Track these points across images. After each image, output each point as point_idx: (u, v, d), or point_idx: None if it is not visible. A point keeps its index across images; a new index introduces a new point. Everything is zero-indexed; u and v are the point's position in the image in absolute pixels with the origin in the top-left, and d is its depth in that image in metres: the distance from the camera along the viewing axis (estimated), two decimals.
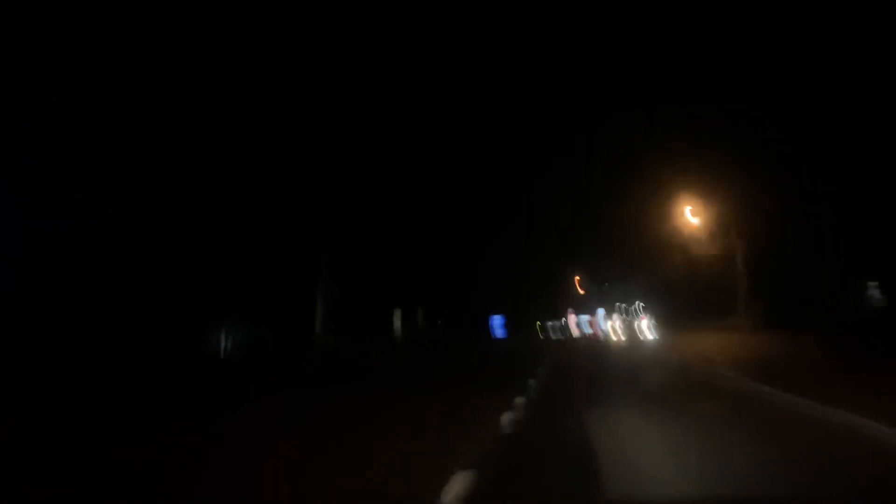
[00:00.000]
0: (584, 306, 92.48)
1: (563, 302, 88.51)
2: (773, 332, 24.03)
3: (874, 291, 26.48)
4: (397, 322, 25.65)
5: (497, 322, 65.87)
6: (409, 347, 21.10)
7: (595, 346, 49.16)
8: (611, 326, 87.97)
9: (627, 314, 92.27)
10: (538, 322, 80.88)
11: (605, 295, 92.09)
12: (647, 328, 74.44)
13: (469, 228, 48.47)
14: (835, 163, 26.16)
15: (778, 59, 26.53)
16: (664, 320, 53.07)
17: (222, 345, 21.88)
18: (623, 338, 75.76)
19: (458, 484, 5.12)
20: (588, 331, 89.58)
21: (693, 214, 31.73)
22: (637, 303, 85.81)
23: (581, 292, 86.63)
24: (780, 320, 28.28)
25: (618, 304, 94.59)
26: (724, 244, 32.93)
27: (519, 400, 10.06)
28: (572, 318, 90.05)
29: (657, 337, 63.66)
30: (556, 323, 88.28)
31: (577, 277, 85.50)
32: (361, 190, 24.88)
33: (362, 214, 23.71)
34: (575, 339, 78.69)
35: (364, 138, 26.72)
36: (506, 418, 8.22)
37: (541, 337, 70.82)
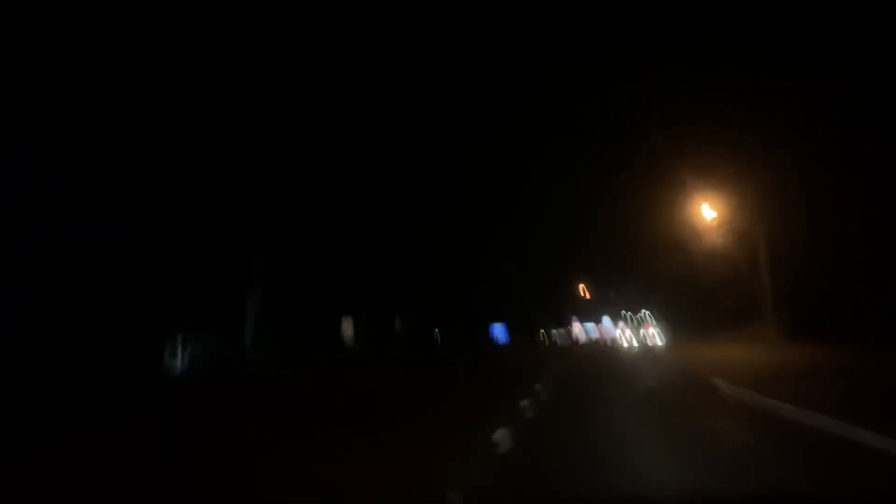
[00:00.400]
0: (589, 314, 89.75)
1: (569, 309, 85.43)
2: (811, 345, 20.08)
3: None
4: (348, 331, 21.60)
5: (497, 331, 61.98)
6: (351, 362, 17.04)
7: (605, 352, 44.41)
8: (619, 334, 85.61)
9: (634, 321, 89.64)
10: (542, 330, 76.94)
11: (611, 303, 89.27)
12: (654, 336, 71.50)
13: (467, 233, 45.17)
14: (883, 143, 22.23)
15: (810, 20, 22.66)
16: (674, 329, 48.79)
17: (178, 361, 18.49)
18: (635, 344, 72.75)
19: None
20: (594, 335, 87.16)
21: (710, 209, 27.76)
22: (643, 311, 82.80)
23: (586, 297, 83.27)
24: (812, 330, 24.37)
25: (624, 311, 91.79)
26: (745, 242, 28.98)
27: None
28: (577, 326, 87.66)
29: (664, 343, 60.34)
30: (562, 330, 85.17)
31: (582, 284, 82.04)
32: (320, 191, 21.42)
33: (317, 216, 20.12)
34: (581, 346, 75.50)
35: (328, 132, 23.36)
36: None
37: (546, 344, 66.37)
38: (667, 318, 57.23)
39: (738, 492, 4.35)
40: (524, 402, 9.40)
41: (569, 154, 52.75)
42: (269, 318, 17.77)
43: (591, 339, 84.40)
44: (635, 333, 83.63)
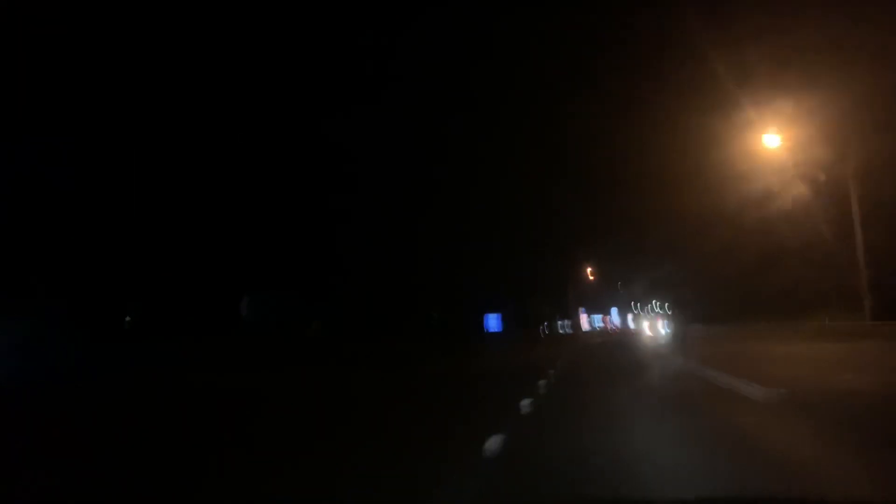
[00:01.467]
0: (597, 306, 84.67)
1: (575, 301, 79.49)
2: None
3: None
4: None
5: (492, 321, 54.20)
6: None
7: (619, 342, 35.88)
8: (634, 321, 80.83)
9: (644, 312, 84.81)
10: (545, 321, 69.63)
11: (619, 295, 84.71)
12: (664, 326, 65.99)
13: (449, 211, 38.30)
14: None
15: None
16: (707, 320, 39.49)
17: None
18: (661, 332, 66.20)
19: None
20: (598, 326, 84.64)
21: (773, 138, 19.22)
22: (654, 301, 78.32)
23: (591, 278, 77.36)
24: None
25: (633, 302, 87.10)
26: (822, 192, 20.63)
27: None
28: (584, 318, 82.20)
29: (672, 330, 53.16)
30: (567, 321, 79.44)
31: (590, 269, 75.61)
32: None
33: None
34: (587, 334, 70.70)
35: None
36: None
37: (542, 336, 58.58)
38: (701, 306, 47.98)
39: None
40: None
41: (580, 105, 44.05)
42: None
43: (593, 328, 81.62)
44: (650, 323, 79.13)
